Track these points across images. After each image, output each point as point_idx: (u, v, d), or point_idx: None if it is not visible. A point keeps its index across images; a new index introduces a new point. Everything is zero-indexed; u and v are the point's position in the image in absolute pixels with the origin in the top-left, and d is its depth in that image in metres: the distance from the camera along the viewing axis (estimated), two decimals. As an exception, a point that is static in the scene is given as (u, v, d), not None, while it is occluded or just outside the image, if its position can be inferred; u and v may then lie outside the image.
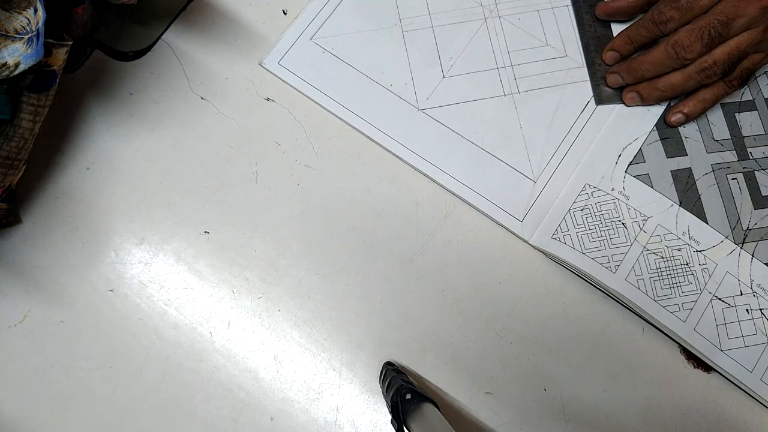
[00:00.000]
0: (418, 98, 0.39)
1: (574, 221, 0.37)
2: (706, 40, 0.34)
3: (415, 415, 0.29)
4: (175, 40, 0.40)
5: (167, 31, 0.40)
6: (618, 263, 0.36)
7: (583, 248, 0.36)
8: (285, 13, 0.41)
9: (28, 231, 0.37)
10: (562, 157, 0.38)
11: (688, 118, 0.38)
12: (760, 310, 0.36)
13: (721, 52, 0.35)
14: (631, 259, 0.36)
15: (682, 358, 0.36)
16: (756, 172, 0.38)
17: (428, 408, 0.29)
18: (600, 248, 0.36)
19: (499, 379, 0.36)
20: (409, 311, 0.36)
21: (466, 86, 0.40)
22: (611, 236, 0.36)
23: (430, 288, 0.37)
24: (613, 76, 0.39)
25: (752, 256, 0.36)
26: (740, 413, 0.35)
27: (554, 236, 0.36)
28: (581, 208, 0.37)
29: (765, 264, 0.36)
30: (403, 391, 0.30)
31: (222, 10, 0.41)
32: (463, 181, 0.38)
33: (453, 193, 0.38)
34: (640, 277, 0.36)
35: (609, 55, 0.39)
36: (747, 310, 0.36)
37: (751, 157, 0.38)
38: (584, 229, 0.37)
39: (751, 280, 0.36)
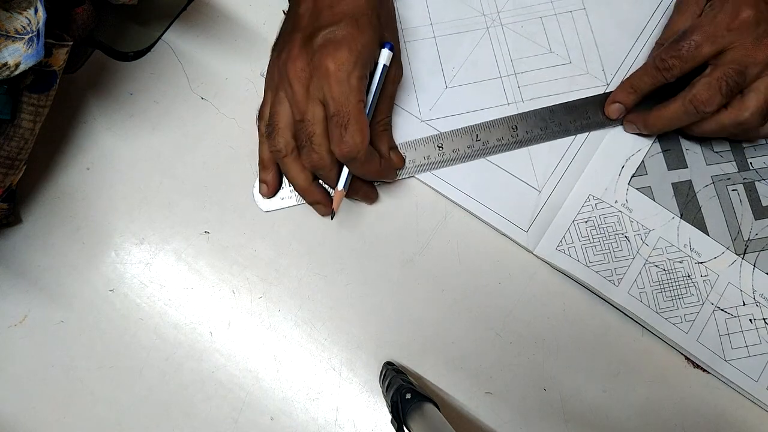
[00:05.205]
0: (421, 109, 0.39)
1: (579, 233, 0.37)
2: (725, 91, 0.33)
3: (415, 414, 0.29)
4: (175, 40, 0.40)
5: (167, 31, 0.40)
6: (621, 276, 0.36)
7: (587, 261, 0.36)
8: (285, 14, 0.41)
9: (28, 231, 0.37)
10: (567, 166, 0.38)
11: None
12: (764, 319, 0.36)
13: (755, 104, 0.34)
14: (633, 273, 0.36)
15: (681, 358, 0.36)
16: (756, 183, 0.38)
17: (428, 408, 0.29)
18: (603, 261, 0.36)
19: (499, 379, 0.36)
20: (409, 311, 0.36)
21: (470, 96, 0.39)
22: (614, 249, 0.36)
23: (430, 288, 0.37)
24: (616, 105, 0.38)
25: (754, 266, 0.36)
26: (740, 413, 0.35)
27: (559, 248, 0.36)
28: (585, 220, 0.37)
29: (767, 274, 0.36)
30: (403, 390, 0.30)
31: (222, 10, 0.41)
32: (468, 193, 0.37)
33: (459, 206, 0.37)
34: (643, 290, 0.36)
35: (614, 108, 0.38)
36: (750, 320, 0.36)
37: (751, 168, 0.38)
38: (588, 241, 0.36)
39: (754, 290, 0.36)
